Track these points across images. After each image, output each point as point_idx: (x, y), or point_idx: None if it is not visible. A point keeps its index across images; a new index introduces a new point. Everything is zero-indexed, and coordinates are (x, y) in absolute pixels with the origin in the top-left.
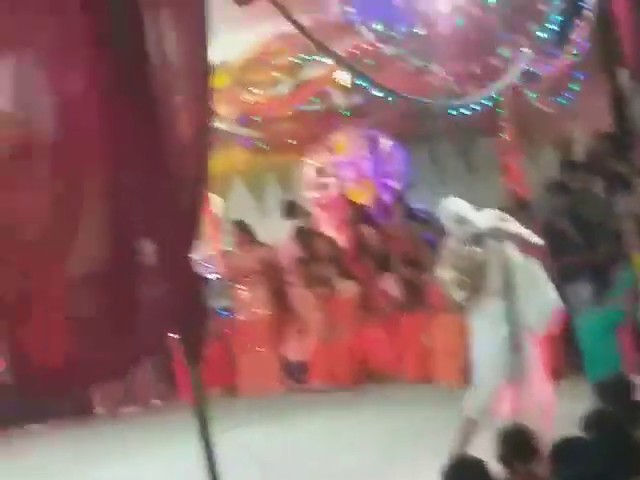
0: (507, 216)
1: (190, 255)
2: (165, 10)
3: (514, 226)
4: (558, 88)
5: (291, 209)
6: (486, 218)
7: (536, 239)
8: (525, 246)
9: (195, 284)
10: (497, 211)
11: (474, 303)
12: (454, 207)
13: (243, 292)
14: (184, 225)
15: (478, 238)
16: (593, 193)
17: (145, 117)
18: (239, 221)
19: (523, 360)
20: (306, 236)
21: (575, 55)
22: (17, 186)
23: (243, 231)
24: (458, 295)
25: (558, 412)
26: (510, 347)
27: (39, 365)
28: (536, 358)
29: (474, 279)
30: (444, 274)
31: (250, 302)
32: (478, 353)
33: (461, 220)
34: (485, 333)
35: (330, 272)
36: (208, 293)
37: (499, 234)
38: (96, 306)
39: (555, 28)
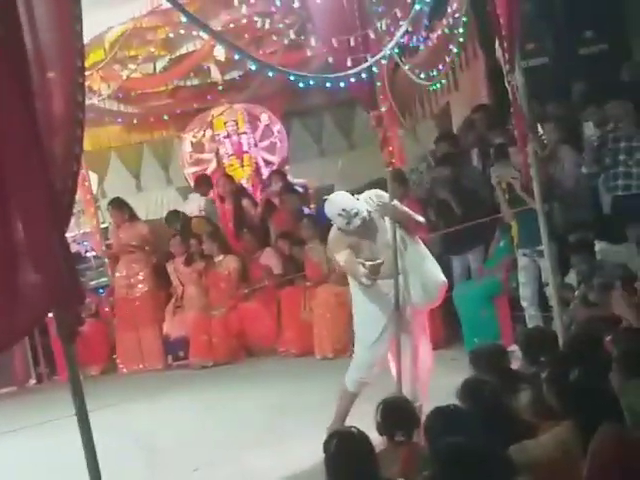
0: (385, 195)
1: (65, 232)
2: None
3: (395, 206)
4: (435, 61)
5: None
6: (366, 201)
7: (418, 217)
8: (407, 224)
9: (70, 262)
10: (377, 191)
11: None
12: (339, 201)
13: (120, 269)
14: (58, 203)
15: (364, 223)
16: (471, 164)
17: (17, 94)
18: (116, 198)
19: (406, 333)
20: (180, 217)
21: (451, 28)
22: None
23: (120, 208)
24: (360, 275)
25: (438, 382)
26: (393, 320)
27: None
28: (419, 331)
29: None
30: (340, 258)
31: (128, 279)
32: (358, 326)
33: (346, 214)
34: (367, 307)
35: (210, 247)
36: (85, 271)
37: (381, 214)
38: None
39: (431, 1)
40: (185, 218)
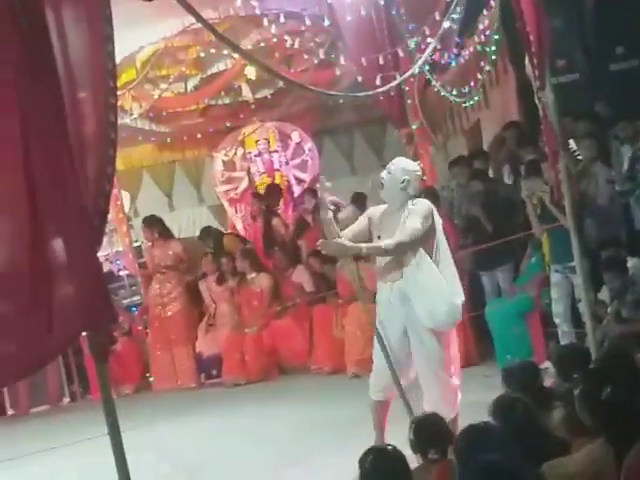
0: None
1: (97, 252)
2: (67, 4)
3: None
4: (466, 78)
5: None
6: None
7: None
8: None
9: (102, 281)
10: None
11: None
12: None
13: (154, 288)
14: (90, 222)
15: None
16: (502, 180)
17: (50, 114)
18: (149, 216)
19: (424, 355)
20: (212, 235)
21: (483, 44)
22: None
23: (153, 226)
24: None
25: (470, 399)
26: (409, 343)
27: None
28: (439, 353)
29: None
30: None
31: (161, 298)
32: (376, 345)
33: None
34: (381, 316)
35: (243, 265)
36: (118, 289)
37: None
38: (6, 304)
39: (460, 18)
40: (218, 235)
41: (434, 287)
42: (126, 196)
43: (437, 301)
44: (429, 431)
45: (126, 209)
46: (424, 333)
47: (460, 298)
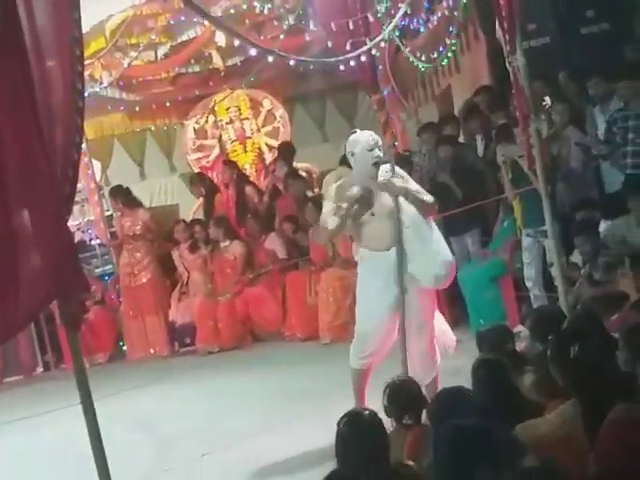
0: (401, 171)
1: (67, 221)
2: None
3: (407, 182)
4: (435, 44)
5: None
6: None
7: (428, 196)
8: (417, 203)
9: (72, 250)
10: (386, 166)
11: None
12: (369, 135)
13: (124, 257)
14: (59, 191)
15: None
16: (472, 145)
17: (18, 83)
18: (113, 187)
19: (412, 312)
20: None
21: (452, 10)
22: None
23: (117, 196)
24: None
25: (443, 364)
26: (394, 296)
27: None
28: (426, 309)
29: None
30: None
31: (131, 267)
32: (360, 299)
33: (377, 149)
34: (368, 280)
35: (216, 233)
36: (90, 259)
37: (392, 189)
38: None
39: None
40: (212, 185)
41: (433, 246)
42: (97, 165)
43: (437, 259)
44: (403, 396)
45: (97, 178)
46: (417, 295)
47: (451, 254)
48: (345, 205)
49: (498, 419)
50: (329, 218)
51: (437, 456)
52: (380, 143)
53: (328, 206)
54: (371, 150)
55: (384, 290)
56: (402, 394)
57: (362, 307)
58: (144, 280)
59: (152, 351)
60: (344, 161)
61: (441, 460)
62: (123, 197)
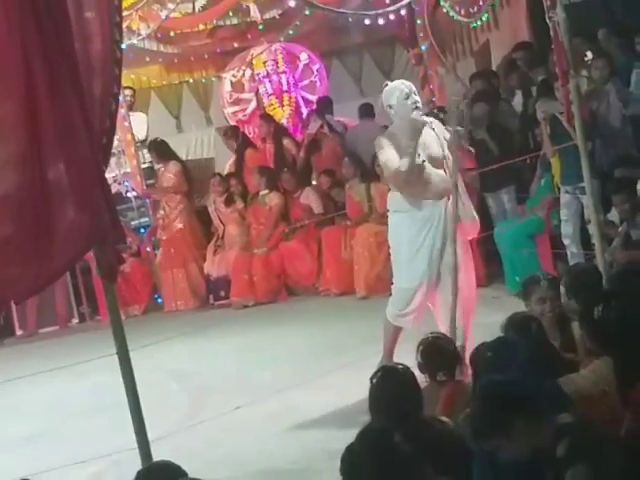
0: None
1: (104, 172)
2: None
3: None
4: None
5: None
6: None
7: (467, 146)
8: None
9: (109, 202)
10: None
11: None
12: (406, 84)
13: (159, 209)
14: (97, 141)
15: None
16: (510, 102)
17: (55, 34)
18: (151, 140)
19: (448, 262)
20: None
21: None
22: None
23: (151, 150)
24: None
25: (479, 321)
26: (436, 250)
27: None
28: (463, 258)
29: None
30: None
31: (165, 219)
32: (398, 255)
33: (414, 96)
34: (413, 236)
35: (259, 182)
36: (127, 211)
37: (455, 139)
38: (10, 226)
39: None
40: (244, 139)
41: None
42: (143, 118)
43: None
44: (437, 353)
45: (144, 131)
46: (462, 245)
47: None
48: (412, 143)
49: (539, 372)
50: (397, 162)
51: (474, 410)
52: (414, 88)
53: (388, 152)
54: (407, 98)
55: (428, 241)
56: (436, 351)
57: (403, 260)
58: (175, 231)
59: (186, 304)
60: None
61: (478, 415)
62: (157, 150)
